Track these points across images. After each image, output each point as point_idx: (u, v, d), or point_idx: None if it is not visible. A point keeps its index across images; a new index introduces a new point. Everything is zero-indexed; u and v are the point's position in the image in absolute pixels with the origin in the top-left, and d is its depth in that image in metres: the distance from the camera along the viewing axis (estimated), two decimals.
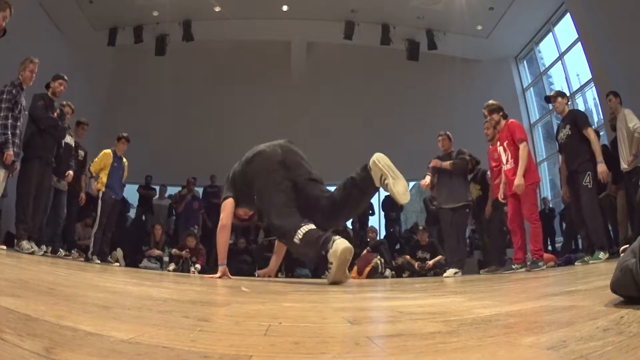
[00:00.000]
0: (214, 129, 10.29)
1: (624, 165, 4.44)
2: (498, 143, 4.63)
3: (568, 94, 4.92)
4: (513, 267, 4.39)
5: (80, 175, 5.60)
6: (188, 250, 6.45)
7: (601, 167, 4.13)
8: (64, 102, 5.18)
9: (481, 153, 5.58)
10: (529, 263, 4.33)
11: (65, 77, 4.87)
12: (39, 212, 4.66)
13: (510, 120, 4.61)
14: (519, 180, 4.21)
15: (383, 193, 10.09)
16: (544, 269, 4.09)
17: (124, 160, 5.88)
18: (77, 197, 5.52)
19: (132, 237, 7.65)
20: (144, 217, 8.95)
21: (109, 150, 5.70)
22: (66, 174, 5.13)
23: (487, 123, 5.01)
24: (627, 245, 1.70)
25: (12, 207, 4.77)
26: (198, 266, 6.32)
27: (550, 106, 9.44)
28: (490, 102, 4.76)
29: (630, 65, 6.32)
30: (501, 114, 4.63)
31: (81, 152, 5.67)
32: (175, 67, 10.10)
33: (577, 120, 4.35)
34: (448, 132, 5.45)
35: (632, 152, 4.38)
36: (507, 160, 4.47)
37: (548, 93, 9.51)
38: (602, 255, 3.96)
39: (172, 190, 9.15)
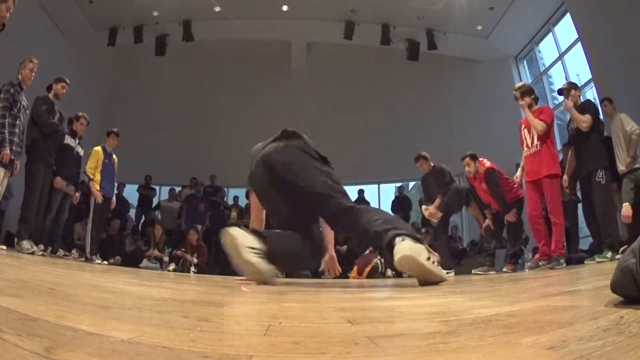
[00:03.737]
0: (214, 129, 10.30)
1: (621, 167, 4.45)
2: (523, 126, 4.54)
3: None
4: (540, 264, 4.33)
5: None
6: (190, 247, 6.48)
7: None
8: (80, 114, 5.31)
9: (480, 152, 5.59)
10: (550, 261, 4.27)
11: (68, 81, 4.91)
12: (41, 211, 4.72)
13: (545, 105, 4.62)
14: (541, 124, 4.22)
15: (391, 193, 10.13)
16: (564, 266, 4.07)
17: (114, 156, 5.80)
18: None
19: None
20: (143, 218, 8.95)
21: (99, 148, 5.60)
22: (74, 196, 5.27)
23: (467, 159, 5.10)
24: (627, 246, 1.70)
25: (16, 208, 4.80)
26: (195, 260, 6.33)
27: (551, 106, 9.49)
28: (521, 83, 4.76)
29: (630, 65, 6.32)
30: (533, 97, 4.53)
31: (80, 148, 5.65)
32: (175, 67, 10.10)
33: (584, 109, 4.33)
34: (424, 153, 5.62)
35: (629, 153, 4.39)
36: (532, 143, 4.37)
37: (548, 93, 9.58)
38: (610, 254, 3.92)
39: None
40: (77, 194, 5.34)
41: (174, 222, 8.10)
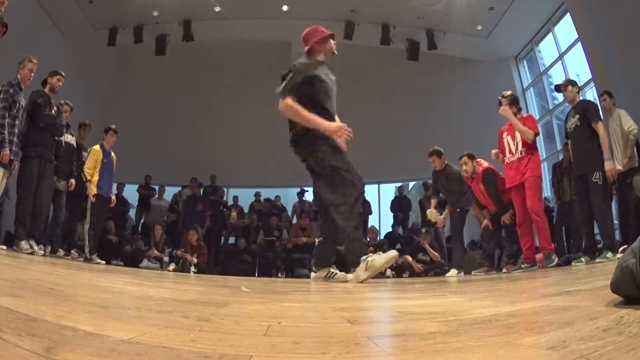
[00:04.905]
0: (213, 129, 10.30)
1: (618, 167, 4.43)
2: (505, 133, 4.56)
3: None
4: (523, 266, 4.37)
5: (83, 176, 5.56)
6: (190, 247, 6.47)
7: (609, 165, 4.02)
8: (63, 101, 5.13)
9: (480, 152, 5.58)
10: (533, 264, 4.30)
11: (63, 73, 4.83)
12: (41, 210, 4.64)
13: (528, 114, 4.63)
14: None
15: (391, 193, 10.12)
16: (556, 261, 4.07)
17: (113, 154, 5.70)
18: (78, 196, 5.47)
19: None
20: (143, 218, 8.95)
21: (97, 147, 5.48)
22: (69, 183, 5.15)
23: (464, 158, 5.07)
24: (627, 246, 1.69)
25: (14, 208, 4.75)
26: (195, 260, 6.33)
27: (551, 106, 9.50)
28: (508, 92, 4.76)
29: (630, 65, 6.31)
30: (518, 107, 4.59)
31: (84, 154, 5.58)
32: (175, 67, 10.10)
33: (587, 111, 4.24)
34: (437, 148, 5.45)
35: (627, 153, 4.37)
36: (517, 149, 4.38)
37: (548, 93, 9.57)
38: (610, 255, 3.89)
39: (171, 190, 9.12)
40: (72, 181, 5.19)
41: (163, 221, 8.11)
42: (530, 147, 4.34)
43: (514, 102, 4.58)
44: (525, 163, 4.32)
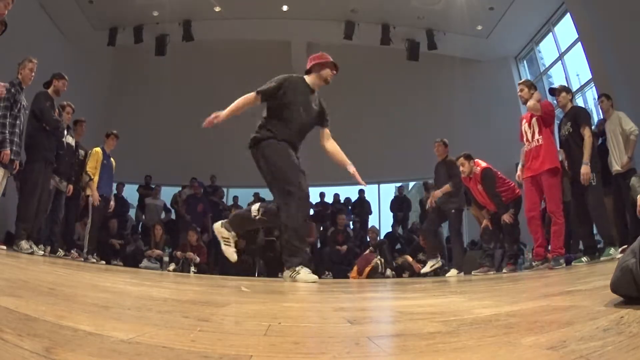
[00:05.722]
0: (214, 129, 10.25)
1: (616, 167, 4.43)
2: (524, 121, 4.48)
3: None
4: (534, 264, 4.30)
5: (80, 175, 5.58)
6: (190, 247, 6.47)
7: (585, 169, 4.07)
8: (65, 103, 5.19)
9: (480, 152, 5.58)
10: (544, 261, 4.27)
11: (67, 77, 4.89)
12: (41, 211, 4.67)
13: (546, 100, 4.58)
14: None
15: (391, 193, 10.13)
16: (564, 266, 4.06)
17: (112, 159, 5.80)
18: (77, 197, 5.50)
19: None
20: (143, 217, 8.95)
21: (99, 148, 5.61)
22: (68, 189, 5.19)
23: (461, 159, 5.06)
24: (627, 246, 1.69)
25: (10, 207, 4.75)
26: (198, 259, 6.33)
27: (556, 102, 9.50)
28: (527, 79, 4.72)
29: (630, 65, 6.31)
30: (533, 89, 4.50)
31: (81, 152, 5.64)
32: (175, 67, 10.09)
33: (577, 117, 4.28)
34: (445, 140, 5.54)
35: (627, 153, 4.38)
36: (534, 137, 4.29)
37: (548, 93, 9.57)
38: (612, 251, 3.87)
39: (169, 190, 9.11)
40: (70, 187, 5.24)
41: (159, 220, 8.11)
42: (546, 134, 4.27)
43: (532, 85, 4.49)
44: (542, 153, 4.25)
